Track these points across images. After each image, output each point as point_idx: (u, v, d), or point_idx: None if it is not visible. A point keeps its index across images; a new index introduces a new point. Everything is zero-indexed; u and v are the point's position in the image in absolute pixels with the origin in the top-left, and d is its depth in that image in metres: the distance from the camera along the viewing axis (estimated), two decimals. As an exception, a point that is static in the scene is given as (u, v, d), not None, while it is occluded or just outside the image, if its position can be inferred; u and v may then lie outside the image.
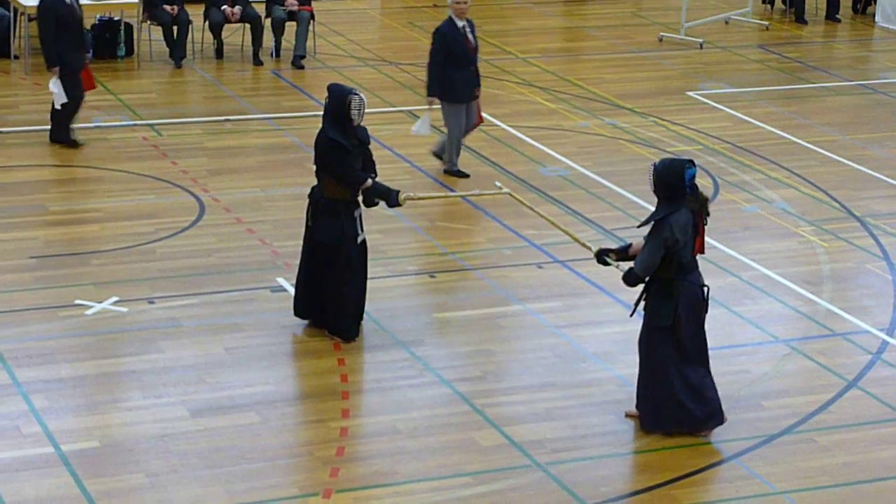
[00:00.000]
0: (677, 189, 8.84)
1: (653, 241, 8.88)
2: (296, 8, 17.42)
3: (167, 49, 17.20)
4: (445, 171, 13.70)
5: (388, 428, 9.17)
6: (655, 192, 8.91)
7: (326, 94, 10.24)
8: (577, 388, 9.76)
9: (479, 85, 13.82)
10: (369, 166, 10.37)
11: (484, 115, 14.19)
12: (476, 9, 20.60)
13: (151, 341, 10.11)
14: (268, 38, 17.53)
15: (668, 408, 9.08)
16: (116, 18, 17.22)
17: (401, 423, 9.25)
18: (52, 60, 13.77)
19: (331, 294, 10.23)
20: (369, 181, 10.19)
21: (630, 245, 9.34)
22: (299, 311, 10.47)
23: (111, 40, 17.16)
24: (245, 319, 10.56)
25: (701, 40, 19.19)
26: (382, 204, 10.38)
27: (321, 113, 10.50)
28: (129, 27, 17.28)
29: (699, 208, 8.96)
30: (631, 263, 9.10)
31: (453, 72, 13.55)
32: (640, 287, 9.12)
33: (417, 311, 10.86)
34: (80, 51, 14.17)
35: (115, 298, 10.70)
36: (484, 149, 14.57)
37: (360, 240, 10.22)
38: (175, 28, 17.12)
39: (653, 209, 9.01)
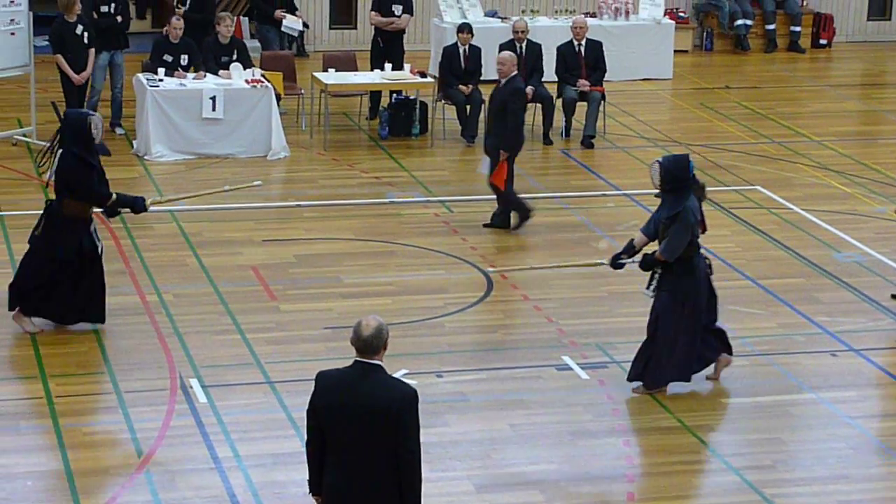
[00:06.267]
0: (685, 180, 10.20)
1: (680, 229, 10.17)
2: (587, 88, 17.50)
3: (460, 127, 17.49)
4: None
5: (673, 513, 9.00)
6: (662, 186, 10.27)
7: (61, 121, 11.18)
8: (871, 481, 9.40)
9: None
10: (104, 181, 11.24)
11: (777, 197, 13.90)
12: (770, 91, 20.39)
13: (438, 415, 10.20)
14: (558, 118, 17.65)
15: (664, 373, 10.44)
16: (412, 97, 17.63)
17: (687, 509, 9.07)
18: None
19: (71, 294, 11.19)
20: (114, 195, 11.20)
21: (633, 241, 10.58)
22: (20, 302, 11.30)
23: (406, 118, 17.55)
24: (530, 396, 10.57)
25: None
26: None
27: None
28: (423, 106, 17.66)
29: (700, 194, 10.39)
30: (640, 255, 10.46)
31: None
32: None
33: (705, 395, 10.66)
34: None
35: (404, 371, 10.85)
36: (775, 232, 14.29)
37: (100, 249, 11.28)
38: (468, 107, 17.40)
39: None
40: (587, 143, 17.37)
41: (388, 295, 12.51)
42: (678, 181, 10.25)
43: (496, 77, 17.66)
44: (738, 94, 20.19)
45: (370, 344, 6.90)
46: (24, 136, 16.58)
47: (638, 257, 10.58)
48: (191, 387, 10.52)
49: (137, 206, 11.49)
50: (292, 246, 13.63)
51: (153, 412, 10.12)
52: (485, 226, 14.24)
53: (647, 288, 10.51)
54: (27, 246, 12.99)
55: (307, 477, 7.18)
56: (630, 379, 10.60)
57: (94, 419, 10.05)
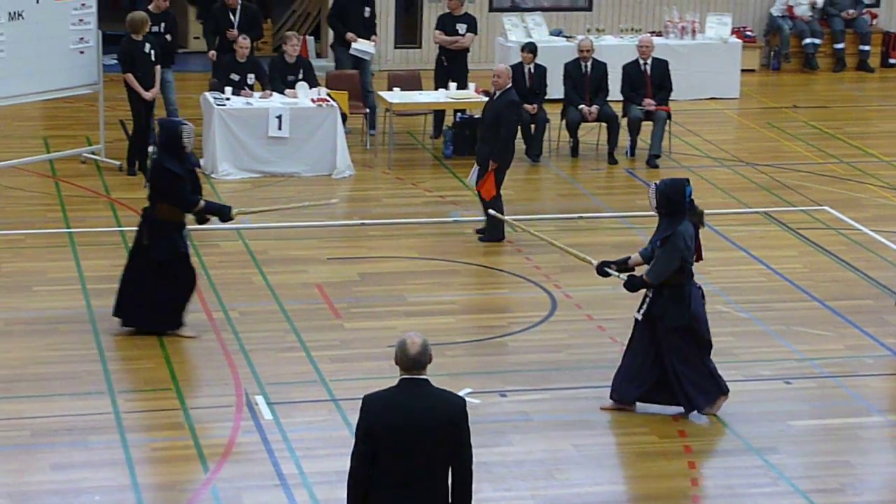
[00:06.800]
0: (680, 204, 10.03)
1: (667, 253, 10.02)
2: (653, 108, 17.45)
3: (524, 146, 17.48)
4: None
5: (739, 536, 8.94)
6: (658, 209, 10.11)
7: (157, 128, 11.61)
8: (941, 506, 9.30)
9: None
10: (198, 189, 11.63)
11: (845, 218, 13.80)
12: (838, 110, 20.23)
13: (502, 434, 10.19)
14: (623, 137, 17.61)
15: (704, 389, 10.30)
16: (476, 116, 17.63)
17: (753, 531, 9.01)
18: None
19: (166, 299, 11.56)
20: (201, 202, 11.56)
21: (629, 258, 10.51)
22: (121, 312, 11.65)
23: (470, 137, 17.52)
24: (595, 417, 10.52)
25: None
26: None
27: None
28: (488, 124, 17.65)
29: (697, 220, 10.20)
30: (627, 274, 10.40)
31: None
32: (642, 293, 10.29)
33: (771, 417, 10.59)
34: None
35: (468, 390, 10.85)
36: (843, 253, 14.17)
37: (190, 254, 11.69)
38: (533, 126, 17.40)
39: None
40: (652, 162, 17.32)
41: (452, 314, 12.52)
42: (673, 205, 10.10)
43: (561, 97, 17.79)
44: (806, 114, 20.06)
45: (418, 361, 7.02)
46: (93, 154, 16.75)
47: (624, 276, 10.46)
48: (256, 403, 10.57)
49: (224, 214, 11.79)
50: (357, 264, 13.67)
51: (219, 428, 10.18)
52: (480, 240, 14.36)
53: (638, 311, 10.39)
54: (100, 262, 13.16)
55: (348, 501, 7.11)
56: (687, 412, 10.49)
57: (161, 435, 10.12)
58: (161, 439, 10.06)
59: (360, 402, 7.15)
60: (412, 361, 6.99)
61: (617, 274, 10.53)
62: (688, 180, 10.26)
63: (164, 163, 11.39)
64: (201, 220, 11.85)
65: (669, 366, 10.30)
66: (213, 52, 17.44)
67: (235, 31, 17.20)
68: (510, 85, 14.36)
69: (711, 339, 10.43)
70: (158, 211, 11.49)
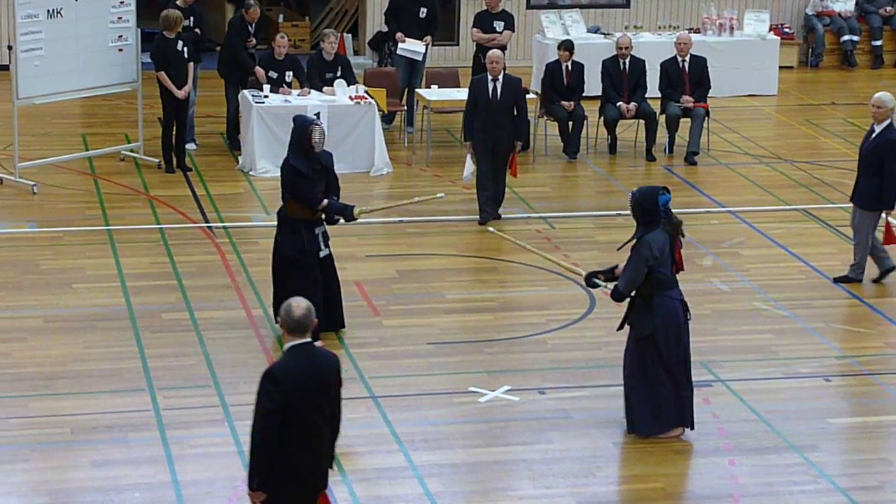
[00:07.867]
0: (652, 213, 9.82)
1: (634, 260, 9.86)
2: (691, 104, 17.40)
3: (562, 144, 17.47)
4: None
5: (779, 534, 8.92)
6: (633, 216, 9.92)
7: (292, 124, 11.64)
8: (983, 505, 9.25)
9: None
10: (333, 189, 11.68)
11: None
12: None
13: (541, 431, 10.19)
14: (661, 134, 17.57)
15: (653, 412, 9.98)
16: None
17: (793, 529, 8.98)
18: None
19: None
20: (325, 201, 11.52)
21: (616, 266, 10.23)
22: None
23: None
24: (634, 414, 10.51)
25: None
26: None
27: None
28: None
29: (674, 231, 9.92)
30: (613, 284, 10.13)
31: None
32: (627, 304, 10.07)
33: (811, 414, 10.55)
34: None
35: (506, 387, 10.85)
36: None
37: (322, 255, 11.60)
38: (570, 123, 17.38)
39: None
40: (690, 159, 17.27)
41: (491, 311, 12.52)
42: (645, 213, 9.83)
43: (599, 94, 17.76)
44: (844, 111, 19.97)
45: (302, 323, 7.37)
46: (132, 151, 16.82)
47: (611, 285, 10.17)
48: (295, 401, 10.59)
49: (347, 213, 11.79)
50: (395, 261, 13.69)
51: (258, 425, 10.20)
52: (481, 223, 14.69)
53: (621, 325, 10.23)
54: (139, 259, 13.21)
55: (252, 473, 7.56)
56: (628, 430, 10.18)
57: (200, 432, 10.16)
58: (201, 436, 10.09)
59: (263, 377, 7.41)
60: (297, 323, 7.36)
61: (605, 284, 10.31)
62: (665, 189, 9.92)
63: (291, 160, 11.48)
64: (329, 219, 11.79)
65: (626, 377, 10.12)
66: (259, 70, 17.11)
67: (254, 40, 17.17)
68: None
69: (688, 363, 10.03)
70: (288, 208, 11.60)
